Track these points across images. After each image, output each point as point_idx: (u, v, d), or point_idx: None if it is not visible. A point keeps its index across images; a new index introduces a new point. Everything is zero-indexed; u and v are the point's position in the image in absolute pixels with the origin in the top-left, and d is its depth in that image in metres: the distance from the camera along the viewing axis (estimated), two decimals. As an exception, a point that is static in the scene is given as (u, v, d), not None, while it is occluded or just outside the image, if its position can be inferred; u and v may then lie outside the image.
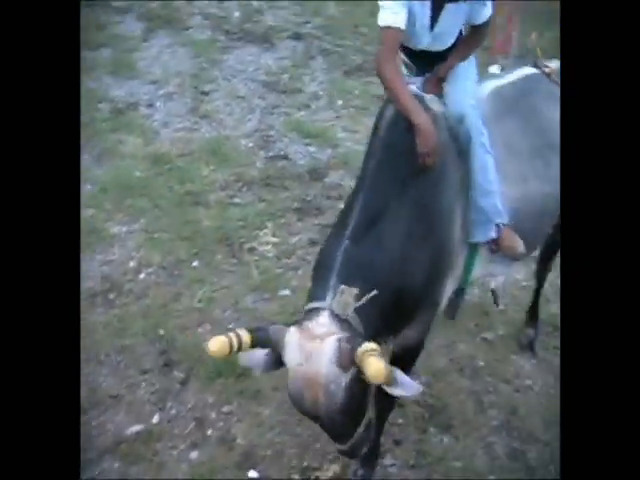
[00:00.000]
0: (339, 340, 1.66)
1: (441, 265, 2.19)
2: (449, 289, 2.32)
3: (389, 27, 2.13)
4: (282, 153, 4.26)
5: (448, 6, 2.18)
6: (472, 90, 2.30)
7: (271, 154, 4.25)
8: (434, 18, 2.21)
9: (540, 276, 3.28)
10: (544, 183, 2.42)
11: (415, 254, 2.07)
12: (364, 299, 1.78)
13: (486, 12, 2.26)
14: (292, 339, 1.70)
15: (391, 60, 2.16)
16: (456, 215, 2.21)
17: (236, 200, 3.75)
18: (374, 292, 1.80)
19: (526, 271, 3.78)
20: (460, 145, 2.21)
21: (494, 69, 5.89)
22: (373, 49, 6.20)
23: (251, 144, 4.31)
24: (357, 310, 1.77)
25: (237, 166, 4.05)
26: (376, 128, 2.17)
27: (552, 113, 2.41)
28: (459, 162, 2.21)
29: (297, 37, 6.20)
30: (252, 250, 3.40)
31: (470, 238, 2.25)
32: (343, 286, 1.79)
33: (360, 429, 1.82)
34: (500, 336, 3.27)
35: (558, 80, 2.56)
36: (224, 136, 4.38)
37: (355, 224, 1.96)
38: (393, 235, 2.01)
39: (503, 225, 2.25)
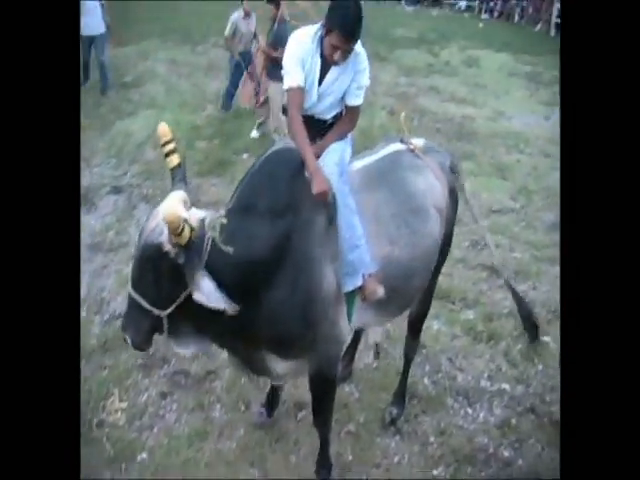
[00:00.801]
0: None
1: (314, 313, 2.64)
2: (344, 329, 2.80)
3: (291, 88, 2.81)
4: (118, 312, 4.43)
5: (333, 69, 2.86)
6: (339, 159, 2.84)
7: (107, 316, 4.42)
8: (322, 77, 2.88)
9: (409, 352, 3.63)
10: (410, 247, 2.90)
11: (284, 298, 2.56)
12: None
13: (358, 99, 2.96)
14: None
15: (297, 117, 2.77)
16: (325, 267, 2.65)
17: (76, 376, 3.84)
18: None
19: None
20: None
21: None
22: (194, 182, 6.67)
23: (84, 313, 4.44)
24: None
25: (73, 341, 4.16)
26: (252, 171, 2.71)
27: (414, 182, 2.99)
28: (329, 222, 2.69)
29: (117, 191, 6.56)
30: (101, 423, 3.49)
31: (343, 287, 2.69)
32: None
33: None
34: (362, 424, 3.55)
35: (421, 154, 3.10)
36: (55, 313, 4.50)
37: None
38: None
39: (368, 275, 2.68)
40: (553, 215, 6.35)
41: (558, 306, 4.70)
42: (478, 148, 8.24)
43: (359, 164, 3.04)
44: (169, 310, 2.43)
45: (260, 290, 2.54)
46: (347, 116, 3.03)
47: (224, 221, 2.42)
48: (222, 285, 2.38)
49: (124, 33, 13.06)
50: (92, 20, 9.39)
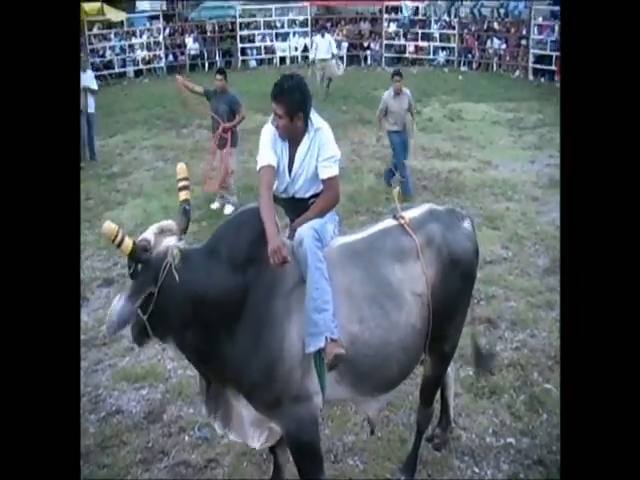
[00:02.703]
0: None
1: (275, 370, 2.82)
2: (313, 392, 2.90)
3: (262, 167, 3.11)
4: (114, 408, 4.50)
5: (299, 150, 3.17)
6: (317, 226, 2.98)
7: (103, 413, 4.46)
8: (291, 161, 3.19)
9: (421, 421, 3.63)
10: (382, 330, 2.95)
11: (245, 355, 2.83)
12: None
13: (329, 170, 3.17)
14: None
15: (265, 192, 3.01)
16: (288, 325, 2.84)
17: (74, 479, 3.85)
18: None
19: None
20: (300, 267, 2.88)
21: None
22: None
23: (80, 411, 4.48)
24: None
25: (70, 442, 4.18)
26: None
27: (392, 269, 3.03)
28: (300, 282, 2.88)
29: (108, 283, 6.68)
30: (102, 525, 3.49)
31: (306, 348, 2.80)
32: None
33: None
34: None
35: (410, 230, 3.10)
36: (51, 415, 4.53)
37: None
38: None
39: (331, 339, 2.77)
40: (546, 259, 6.45)
41: (558, 352, 4.74)
42: (467, 201, 8.41)
43: (342, 241, 3.16)
44: (146, 315, 2.87)
45: (220, 333, 2.86)
46: (324, 191, 3.22)
47: (175, 251, 2.81)
48: (174, 309, 2.84)
49: (111, 125, 13.61)
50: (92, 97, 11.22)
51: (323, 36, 16.17)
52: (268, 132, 3.22)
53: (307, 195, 3.31)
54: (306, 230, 2.95)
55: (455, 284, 3.17)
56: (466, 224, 3.33)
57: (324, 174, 3.18)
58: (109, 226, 2.77)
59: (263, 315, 2.84)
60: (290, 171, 3.25)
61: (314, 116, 3.20)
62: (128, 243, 2.80)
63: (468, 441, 3.93)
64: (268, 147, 3.17)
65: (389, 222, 3.23)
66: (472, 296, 3.36)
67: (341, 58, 21.46)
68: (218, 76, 8.37)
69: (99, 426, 4.32)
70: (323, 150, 3.17)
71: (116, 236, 2.77)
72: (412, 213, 3.25)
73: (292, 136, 3.20)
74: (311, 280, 2.82)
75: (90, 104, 11.25)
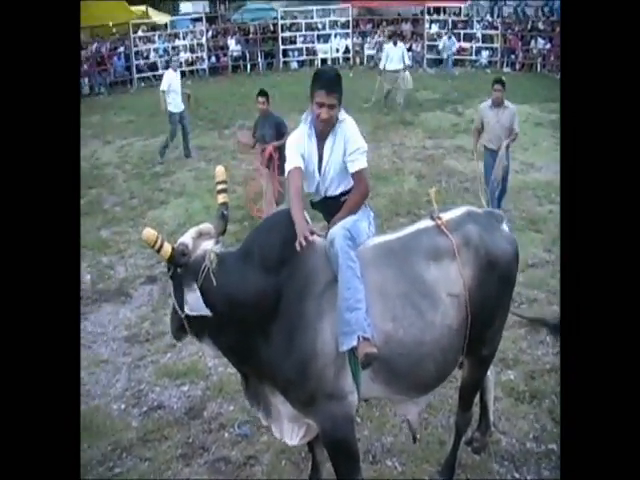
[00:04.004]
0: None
1: (309, 368, 2.85)
2: (347, 389, 2.91)
3: (289, 170, 3.16)
4: (156, 404, 4.59)
5: (326, 145, 3.18)
6: (349, 225, 3.00)
7: (145, 408, 4.55)
8: (320, 157, 3.21)
9: (460, 425, 3.60)
10: (416, 330, 2.93)
11: (280, 354, 2.87)
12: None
13: (357, 163, 3.17)
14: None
15: (294, 192, 3.08)
16: (321, 325, 2.85)
17: (117, 470, 3.94)
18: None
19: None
20: (333, 266, 2.90)
21: None
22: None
23: (123, 405, 4.59)
24: None
25: (112, 434, 4.27)
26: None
27: (427, 269, 3.01)
28: (333, 282, 2.88)
29: (151, 280, 6.80)
30: (144, 517, 3.56)
31: (339, 347, 2.81)
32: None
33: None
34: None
35: (446, 230, 3.07)
36: (94, 407, 4.60)
37: None
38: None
39: (364, 337, 2.76)
40: (591, 263, 6.32)
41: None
42: (509, 203, 8.29)
43: (377, 240, 3.16)
44: (184, 313, 2.93)
45: (256, 334, 2.93)
46: (355, 186, 3.23)
47: (212, 256, 2.90)
48: (212, 310, 2.85)
49: (155, 125, 13.83)
50: (179, 98, 11.52)
51: (395, 44, 14.50)
52: (294, 135, 3.28)
53: (338, 192, 3.32)
54: (337, 230, 2.95)
55: (493, 286, 3.10)
56: (505, 226, 3.27)
57: (353, 167, 3.17)
58: (148, 232, 2.84)
59: (296, 315, 2.86)
60: (320, 168, 3.27)
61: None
62: (167, 248, 2.87)
63: (508, 446, 3.89)
64: (293, 150, 3.21)
65: (426, 222, 3.20)
66: (512, 299, 3.32)
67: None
68: (260, 99, 7.89)
69: (141, 420, 4.42)
70: (349, 144, 3.16)
71: (155, 242, 2.84)
72: (450, 214, 3.20)
73: (327, 129, 3.20)
74: (343, 279, 2.83)
75: (179, 103, 11.59)
